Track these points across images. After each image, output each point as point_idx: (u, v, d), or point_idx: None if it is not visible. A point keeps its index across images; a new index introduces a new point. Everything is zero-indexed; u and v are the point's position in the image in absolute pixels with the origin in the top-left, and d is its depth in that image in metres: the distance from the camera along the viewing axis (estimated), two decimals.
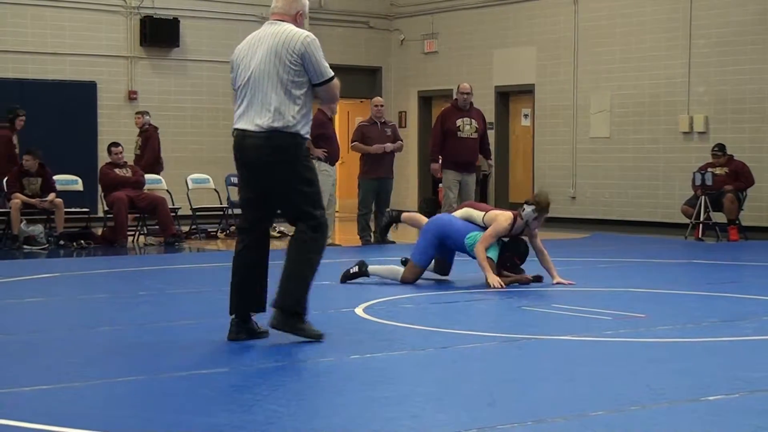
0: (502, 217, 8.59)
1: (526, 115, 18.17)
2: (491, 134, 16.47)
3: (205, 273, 10.56)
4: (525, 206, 8.62)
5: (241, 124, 5.81)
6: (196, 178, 15.63)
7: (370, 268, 8.88)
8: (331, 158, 12.82)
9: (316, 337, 5.94)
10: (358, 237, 13.17)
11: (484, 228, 8.60)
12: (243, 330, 6.01)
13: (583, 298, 7.95)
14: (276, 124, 5.70)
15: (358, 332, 6.48)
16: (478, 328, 6.51)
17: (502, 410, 4.43)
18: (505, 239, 8.67)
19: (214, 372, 5.21)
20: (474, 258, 8.56)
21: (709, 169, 14.14)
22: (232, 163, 18.30)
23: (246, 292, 6.02)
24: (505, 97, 18.39)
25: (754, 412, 4.38)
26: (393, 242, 13.20)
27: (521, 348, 5.97)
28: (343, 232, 14.52)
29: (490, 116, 17.45)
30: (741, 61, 14.98)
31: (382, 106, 13.44)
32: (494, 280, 8.30)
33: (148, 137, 14.93)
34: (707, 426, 4.19)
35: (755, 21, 14.84)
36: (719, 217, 13.99)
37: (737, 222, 13.96)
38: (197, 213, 14.82)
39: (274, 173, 5.77)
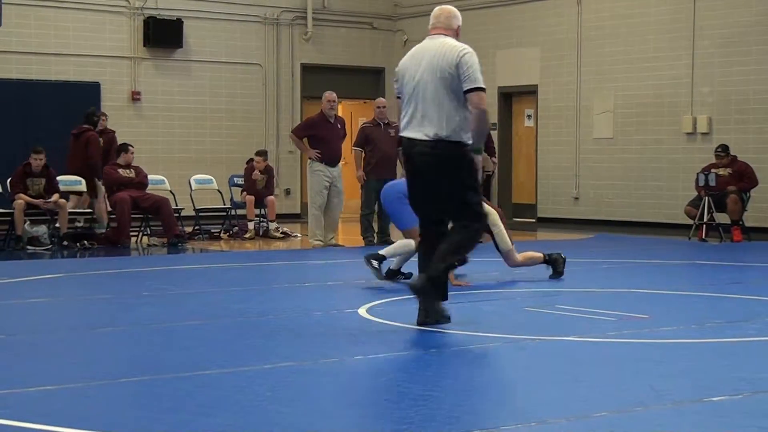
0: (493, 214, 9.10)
1: (529, 116, 18.16)
2: (494, 135, 16.44)
3: (208, 274, 10.57)
4: None
5: (409, 133, 6.22)
6: (200, 178, 15.64)
7: (384, 250, 8.97)
8: (329, 159, 12.83)
9: (443, 319, 6.27)
10: (361, 237, 13.17)
11: None
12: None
13: (587, 299, 7.94)
14: (441, 134, 6.11)
15: (362, 333, 6.49)
16: (481, 329, 6.50)
17: (506, 411, 4.43)
18: None
19: (216, 373, 5.20)
20: None
21: (713, 170, 14.13)
22: (235, 164, 18.40)
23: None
24: (508, 97, 18.39)
25: (758, 413, 4.37)
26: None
27: (525, 349, 5.96)
28: (345, 232, 14.51)
29: (493, 117, 17.43)
30: (745, 62, 14.96)
31: (385, 107, 13.43)
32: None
33: (110, 140, 14.58)
34: (711, 427, 4.18)
35: (760, 22, 14.82)
36: (723, 218, 13.98)
37: (741, 223, 13.95)
38: (200, 214, 14.83)
39: (439, 180, 6.21)
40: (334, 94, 13.17)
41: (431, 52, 6.18)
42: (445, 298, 6.44)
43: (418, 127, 6.15)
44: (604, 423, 4.21)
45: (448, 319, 6.37)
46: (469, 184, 6.23)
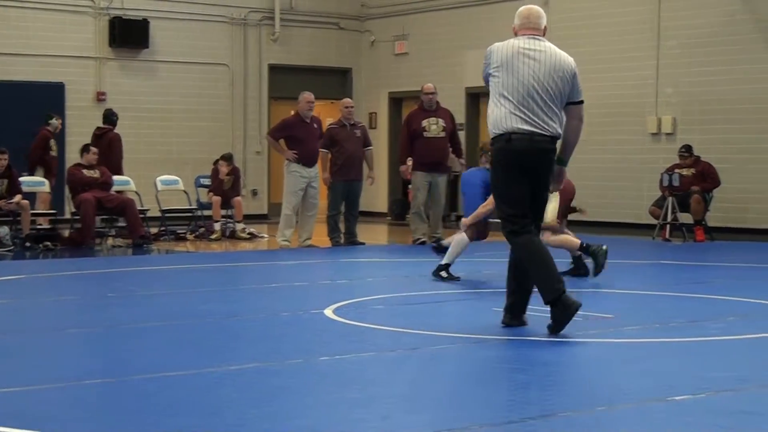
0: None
1: None
2: (461, 135, 16.49)
3: (174, 275, 10.52)
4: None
5: (528, 127, 6.21)
6: (165, 179, 15.56)
7: (447, 257, 9.17)
8: (306, 160, 12.80)
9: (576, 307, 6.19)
10: (328, 238, 13.16)
11: None
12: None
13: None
14: (560, 131, 6.32)
15: (328, 333, 6.49)
16: (447, 329, 6.52)
17: (472, 411, 4.44)
18: None
19: (181, 374, 5.18)
20: None
21: (677, 170, 14.25)
22: (201, 165, 18.24)
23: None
24: (475, 98, 18.44)
25: (720, 412, 4.41)
26: (363, 243, 13.22)
27: (491, 349, 5.99)
28: (314, 233, 14.47)
29: (460, 117, 17.47)
30: (709, 62, 15.10)
31: (352, 107, 13.42)
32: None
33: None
34: (674, 426, 4.21)
35: (723, 23, 14.96)
36: (686, 218, 14.10)
37: (703, 223, 14.08)
38: (166, 215, 14.76)
39: (544, 175, 6.36)
40: (312, 95, 13.14)
41: (550, 56, 6.31)
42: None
43: (539, 123, 6.21)
44: (568, 422, 4.23)
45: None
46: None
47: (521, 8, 6.56)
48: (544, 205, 6.52)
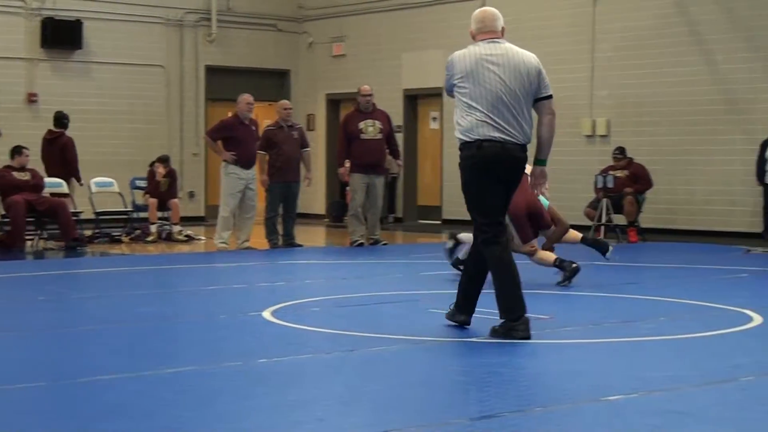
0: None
1: (434, 119, 18.30)
2: (399, 137, 16.54)
3: (109, 277, 10.38)
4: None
5: (499, 134, 6.19)
6: (100, 181, 15.36)
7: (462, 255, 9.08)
8: (243, 161, 12.72)
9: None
10: (266, 240, 13.10)
11: None
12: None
13: (490, 301, 8.02)
14: (529, 137, 6.30)
15: (266, 336, 6.46)
16: (384, 331, 6.52)
17: (409, 412, 4.45)
18: None
19: (116, 377, 5.12)
20: None
21: (610, 172, 14.43)
22: (137, 167, 18.02)
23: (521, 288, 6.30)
24: (413, 100, 18.50)
25: (652, 411, 4.47)
26: (301, 245, 13.18)
27: (428, 350, 6.01)
28: (251, 235, 14.39)
29: (398, 119, 17.53)
30: (641, 65, 15.33)
31: (290, 109, 13.38)
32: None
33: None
34: (607, 426, 4.26)
35: (655, 26, 15.19)
36: (620, 219, 14.29)
37: (636, 224, 14.28)
38: (101, 217, 14.57)
39: (516, 181, 6.38)
40: (251, 97, 13.07)
41: (512, 58, 6.28)
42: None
43: (510, 131, 6.20)
44: (504, 423, 4.26)
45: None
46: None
47: (476, 12, 6.55)
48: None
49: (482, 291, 6.46)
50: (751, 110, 14.40)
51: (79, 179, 14.44)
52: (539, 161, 6.42)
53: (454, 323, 6.52)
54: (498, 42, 6.36)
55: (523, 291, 6.20)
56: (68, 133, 14.66)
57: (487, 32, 6.40)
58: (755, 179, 14.02)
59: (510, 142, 6.20)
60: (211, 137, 13.09)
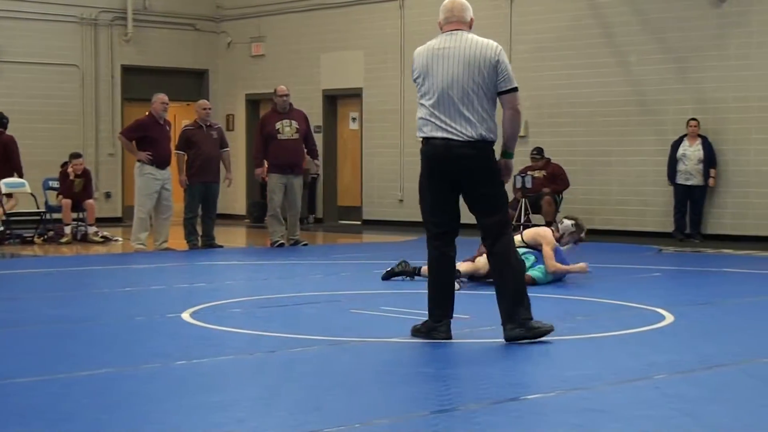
0: (547, 232, 9.10)
1: (354, 119, 18.32)
2: (318, 138, 16.52)
3: (20, 279, 10.17)
4: (564, 220, 9.37)
5: (442, 133, 5.97)
6: (10, 182, 15.04)
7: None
8: (159, 161, 12.57)
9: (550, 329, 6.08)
10: (186, 241, 12.97)
11: (527, 246, 8.97)
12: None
13: (410, 301, 8.06)
14: (483, 133, 5.96)
15: (185, 337, 6.39)
16: (305, 331, 6.51)
17: (329, 413, 4.45)
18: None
19: (29, 381, 5.02)
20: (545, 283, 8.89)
21: (529, 173, 14.60)
22: (50, 167, 17.71)
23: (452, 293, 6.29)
24: (332, 100, 18.49)
25: (572, 410, 4.53)
26: (221, 246, 13.08)
27: (349, 351, 6.01)
28: (170, 236, 14.24)
29: (317, 120, 17.51)
30: (557, 66, 15.55)
31: (209, 109, 13.27)
32: (580, 267, 9.05)
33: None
34: (527, 425, 4.31)
35: (571, 27, 15.42)
36: (538, 219, 14.47)
37: (554, 224, 14.46)
38: (12, 218, 14.26)
39: (478, 182, 6.05)
40: (166, 96, 12.91)
41: (462, 52, 5.98)
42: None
43: (455, 128, 5.94)
44: (426, 423, 4.28)
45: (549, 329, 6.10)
46: (501, 188, 6.18)
47: (444, 2, 6.19)
48: (489, 204, 6.11)
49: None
50: (662, 111, 14.71)
51: (21, 176, 14.58)
52: (505, 154, 6.11)
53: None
54: (457, 33, 6.06)
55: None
56: None
57: (452, 23, 6.12)
58: (666, 180, 14.32)
59: (453, 139, 5.94)
60: (126, 137, 12.90)
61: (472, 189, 6.11)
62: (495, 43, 6.12)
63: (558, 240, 9.21)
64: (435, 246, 6.26)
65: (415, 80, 6.19)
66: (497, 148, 6.14)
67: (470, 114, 5.97)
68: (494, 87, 6.04)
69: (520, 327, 6.04)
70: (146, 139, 12.59)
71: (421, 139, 6.13)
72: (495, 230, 6.14)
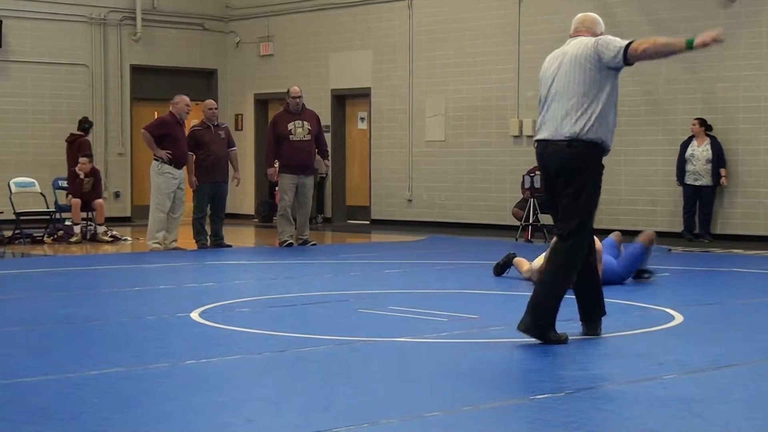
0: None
1: (362, 119, 18.31)
2: (327, 137, 16.52)
3: (31, 279, 10.19)
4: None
5: (542, 134, 6.01)
6: (20, 181, 15.08)
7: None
8: (177, 161, 12.58)
9: (563, 341, 5.97)
10: (195, 241, 12.99)
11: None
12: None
13: (419, 300, 8.06)
14: (577, 132, 5.86)
15: (194, 337, 6.40)
16: (314, 331, 6.51)
17: (338, 413, 4.45)
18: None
19: (38, 380, 5.03)
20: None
21: (537, 172, 14.59)
22: (60, 167, 17.80)
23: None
24: (341, 100, 18.49)
25: (578, 410, 4.52)
26: (230, 246, 13.09)
27: (357, 350, 6.01)
28: (179, 235, 14.26)
29: (326, 119, 17.50)
30: None
31: (215, 108, 13.27)
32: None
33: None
34: (534, 424, 4.30)
35: None
36: (547, 219, 14.44)
37: None
38: (21, 218, 14.30)
39: (569, 183, 5.94)
40: (188, 99, 12.94)
41: (570, 51, 6.02)
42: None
43: (553, 127, 5.95)
44: (436, 423, 4.28)
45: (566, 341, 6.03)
46: (592, 192, 5.99)
47: (578, 15, 6.33)
48: (566, 209, 6.01)
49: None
50: (671, 111, 14.67)
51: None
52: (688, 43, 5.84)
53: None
54: (574, 38, 6.12)
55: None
56: None
57: (576, 32, 6.22)
58: (675, 180, 14.29)
59: (552, 140, 5.95)
60: (151, 133, 12.77)
61: (568, 194, 6.02)
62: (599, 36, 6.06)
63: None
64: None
65: (540, 83, 6.28)
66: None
67: (573, 113, 5.93)
68: (601, 70, 5.90)
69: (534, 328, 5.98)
70: (167, 137, 12.57)
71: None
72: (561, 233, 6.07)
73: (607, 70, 5.93)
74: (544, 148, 6.04)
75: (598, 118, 5.90)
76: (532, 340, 6.11)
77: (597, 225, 15.28)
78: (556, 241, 6.09)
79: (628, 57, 5.87)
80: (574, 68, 5.96)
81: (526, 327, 5.97)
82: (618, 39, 5.96)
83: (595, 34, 6.12)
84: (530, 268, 9.15)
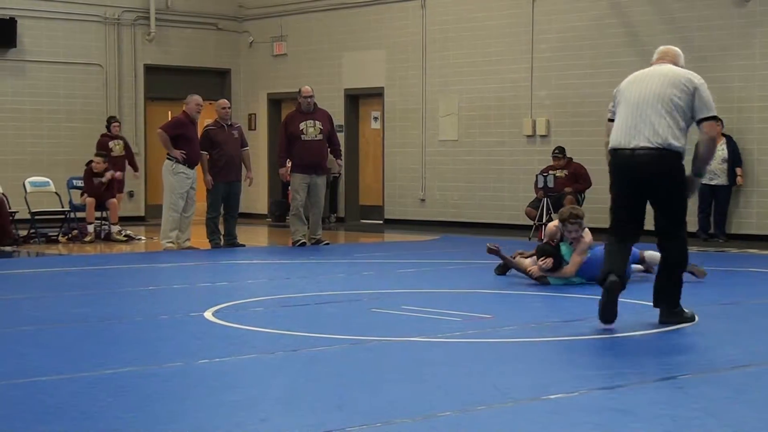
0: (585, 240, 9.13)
1: (375, 118, 18.31)
2: (340, 137, 16.52)
3: (45, 278, 10.22)
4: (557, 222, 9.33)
5: (630, 142, 6.45)
6: (35, 181, 15.14)
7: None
8: (191, 161, 12.60)
9: (692, 319, 6.71)
10: (208, 240, 13.00)
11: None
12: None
13: (432, 300, 8.05)
14: (668, 142, 6.42)
15: (207, 336, 6.41)
16: (327, 330, 6.51)
17: (351, 412, 4.44)
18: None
19: (52, 379, 5.04)
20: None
21: (551, 172, 14.55)
22: (74, 166, 17.83)
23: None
24: (354, 99, 18.49)
25: (593, 409, 4.51)
26: (243, 245, 13.10)
27: (370, 350, 6.00)
28: (193, 235, 14.29)
29: (339, 119, 17.52)
30: (579, 65, 15.48)
31: (229, 108, 13.28)
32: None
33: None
34: (549, 424, 4.29)
35: (591, 27, 15.36)
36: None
37: None
38: (36, 217, 14.35)
39: (659, 187, 6.54)
40: (201, 98, 12.95)
41: (663, 74, 6.57)
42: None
43: (641, 136, 6.41)
44: (448, 422, 4.27)
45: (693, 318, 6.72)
46: (684, 193, 6.64)
47: (662, 46, 6.97)
48: (669, 211, 6.69)
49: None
50: None
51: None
52: (696, 173, 6.79)
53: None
54: (663, 65, 6.74)
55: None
56: (1, 131, 14.44)
57: (664, 60, 6.81)
58: None
59: (646, 147, 6.45)
60: (167, 133, 12.78)
61: (653, 193, 6.62)
62: (698, 75, 6.63)
63: (561, 239, 9.15)
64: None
65: (616, 93, 6.79)
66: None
67: (663, 125, 6.43)
68: (690, 110, 6.47)
69: (666, 315, 6.66)
70: (181, 137, 12.59)
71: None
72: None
73: (690, 110, 6.53)
74: (630, 156, 6.46)
75: (682, 131, 6.51)
76: (544, 339, 6.10)
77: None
78: (665, 241, 6.63)
79: (701, 125, 6.53)
80: (668, 89, 6.49)
81: (666, 318, 6.63)
82: (710, 101, 6.55)
83: (678, 65, 6.76)
84: (528, 266, 9.07)
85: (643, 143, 6.39)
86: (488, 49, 16.47)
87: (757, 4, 14.02)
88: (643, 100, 6.45)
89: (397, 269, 10.48)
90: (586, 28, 15.41)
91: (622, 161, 6.49)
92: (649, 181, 6.46)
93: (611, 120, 6.74)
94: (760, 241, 13.64)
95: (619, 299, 6.49)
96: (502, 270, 9.52)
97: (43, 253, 12.91)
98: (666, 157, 6.40)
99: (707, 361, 5.58)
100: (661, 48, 6.93)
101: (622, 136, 6.49)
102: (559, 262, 8.94)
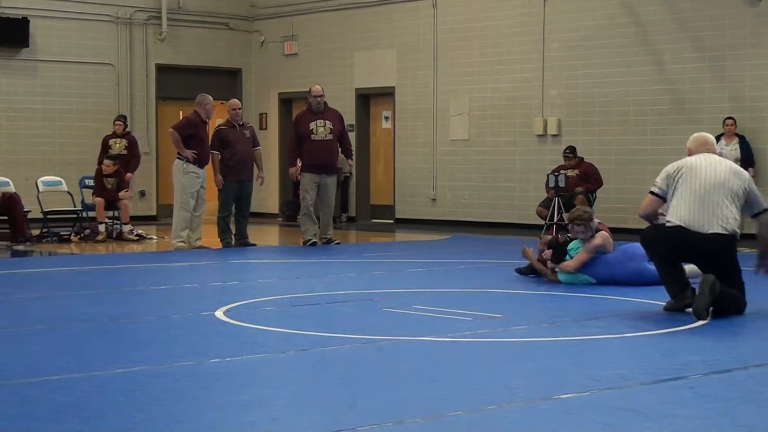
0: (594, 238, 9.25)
1: (386, 118, 18.31)
2: (351, 136, 16.53)
3: (57, 277, 10.25)
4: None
5: (703, 226, 7.19)
6: (48, 180, 15.18)
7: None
8: (201, 160, 12.63)
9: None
10: (219, 240, 13.02)
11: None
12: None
13: (443, 299, 8.06)
14: (735, 229, 7.25)
15: (219, 335, 6.42)
16: (338, 330, 6.52)
17: (363, 412, 4.45)
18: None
19: (65, 378, 5.06)
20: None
21: (562, 171, 14.53)
22: (86, 166, 17.88)
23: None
24: (365, 99, 18.50)
25: (604, 409, 4.51)
26: (254, 244, 13.12)
27: (381, 349, 6.00)
28: (204, 234, 14.32)
29: (350, 118, 17.52)
30: (590, 65, 15.46)
31: (239, 108, 13.29)
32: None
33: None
34: (560, 424, 4.29)
35: (602, 26, 15.33)
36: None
37: None
38: (49, 216, 14.39)
39: (724, 261, 7.31)
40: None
41: (723, 164, 7.38)
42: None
43: (716, 224, 7.17)
44: (458, 422, 4.27)
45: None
46: (738, 265, 7.42)
47: (698, 135, 7.68)
48: (732, 274, 7.34)
49: None
50: (697, 110, 14.58)
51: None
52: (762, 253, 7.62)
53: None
54: (712, 156, 7.48)
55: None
56: (13, 131, 14.51)
57: (708, 150, 7.51)
58: None
59: (713, 232, 7.22)
60: (179, 133, 12.80)
61: (716, 264, 7.29)
62: (745, 171, 7.58)
63: (569, 240, 9.22)
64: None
65: (674, 174, 7.42)
66: None
67: (729, 214, 7.20)
68: (742, 199, 7.31)
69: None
70: (192, 137, 12.62)
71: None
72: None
73: (743, 201, 7.36)
74: (701, 238, 7.17)
75: (738, 219, 7.33)
76: (555, 339, 6.09)
77: (624, 224, 15.26)
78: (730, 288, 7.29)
79: (760, 217, 7.43)
80: (732, 180, 7.29)
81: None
82: (759, 194, 7.49)
83: (716, 153, 7.58)
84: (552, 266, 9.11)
85: (719, 231, 7.16)
86: (499, 49, 16.46)
87: None
88: (712, 188, 7.20)
89: (408, 269, 10.49)
90: (597, 27, 15.39)
91: (689, 238, 7.17)
92: (716, 257, 7.24)
93: (654, 194, 7.47)
94: None
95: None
96: (528, 271, 9.50)
97: (56, 252, 12.96)
98: (732, 241, 7.24)
99: (718, 361, 5.57)
100: (699, 137, 7.64)
101: (692, 219, 7.18)
102: (561, 255, 9.01)
